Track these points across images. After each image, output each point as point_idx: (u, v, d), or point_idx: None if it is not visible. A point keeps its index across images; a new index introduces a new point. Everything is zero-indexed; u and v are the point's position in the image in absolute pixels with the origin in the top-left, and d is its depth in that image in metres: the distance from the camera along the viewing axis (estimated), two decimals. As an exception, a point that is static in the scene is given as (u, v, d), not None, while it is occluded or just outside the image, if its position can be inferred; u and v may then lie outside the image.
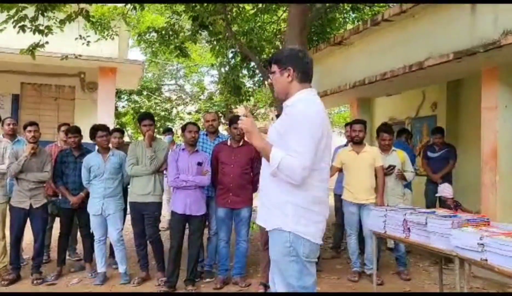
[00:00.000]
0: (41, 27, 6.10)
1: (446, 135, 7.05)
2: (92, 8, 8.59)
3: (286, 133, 2.35)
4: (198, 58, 18.81)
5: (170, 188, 6.43)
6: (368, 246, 5.03)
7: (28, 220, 5.03)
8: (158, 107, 19.72)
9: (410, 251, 6.03)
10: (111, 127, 6.64)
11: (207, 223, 5.23)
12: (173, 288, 4.73)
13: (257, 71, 9.98)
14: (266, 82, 9.44)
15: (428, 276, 5.45)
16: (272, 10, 9.40)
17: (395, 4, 6.79)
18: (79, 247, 5.79)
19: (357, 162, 5.16)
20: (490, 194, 5.53)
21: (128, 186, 5.21)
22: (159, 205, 5.10)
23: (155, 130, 5.46)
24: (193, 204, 4.76)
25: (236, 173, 4.88)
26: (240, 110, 15.66)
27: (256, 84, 11.36)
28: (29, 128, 5.06)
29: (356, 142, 5.28)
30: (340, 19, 10.17)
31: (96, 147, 5.15)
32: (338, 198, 5.92)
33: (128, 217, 5.30)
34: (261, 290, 4.72)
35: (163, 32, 9.05)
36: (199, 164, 4.82)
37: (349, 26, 9.72)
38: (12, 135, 5.59)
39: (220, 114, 16.13)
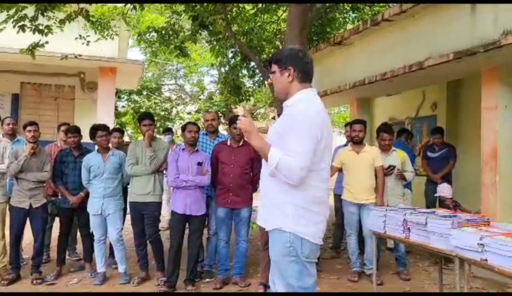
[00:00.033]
0: (41, 27, 6.10)
1: (446, 135, 7.05)
2: (92, 8, 8.58)
3: (285, 133, 2.35)
4: (198, 58, 18.80)
5: (170, 188, 6.43)
6: (368, 246, 5.02)
7: (27, 220, 5.03)
8: (158, 107, 19.71)
9: (410, 251, 6.03)
10: (111, 127, 6.63)
11: (206, 223, 5.23)
12: (172, 288, 4.73)
13: (257, 71, 9.98)
14: (266, 82, 9.44)
15: (428, 276, 5.45)
16: (272, 10, 9.40)
17: (395, 4, 6.79)
18: (79, 246, 5.79)
19: (357, 162, 5.16)
20: (490, 194, 5.53)
21: (128, 186, 5.21)
22: (158, 204, 5.10)
23: (155, 130, 5.46)
24: (193, 204, 4.76)
25: (236, 173, 4.88)
26: (239, 110, 15.67)
27: (256, 84, 11.36)
28: (28, 128, 5.06)
29: (356, 142, 5.27)
30: (340, 19, 10.16)
31: (96, 147, 5.15)
32: (338, 198, 5.91)
33: (128, 216, 5.30)
34: (261, 290, 4.71)
35: (163, 32, 9.05)
36: (199, 163, 4.81)
37: (349, 26, 9.71)
38: (12, 135, 5.58)
39: (220, 114, 16.13)
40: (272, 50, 9.21)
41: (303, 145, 2.27)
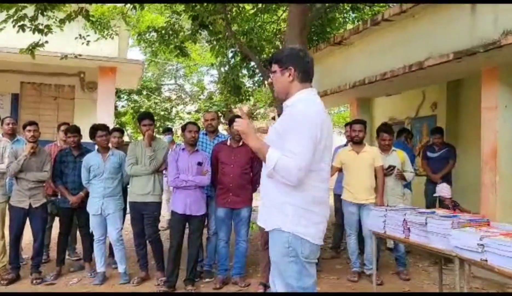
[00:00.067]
0: (40, 27, 6.10)
1: (446, 135, 7.05)
2: (92, 8, 8.58)
3: (285, 133, 2.34)
4: (198, 57, 18.81)
5: (169, 188, 6.43)
6: (368, 246, 5.02)
7: (27, 220, 5.03)
8: (157, 107, 19.71)
9: (409, 251, 6.03)
10: (111, 127, 6.63)
11: (206, 223, 5.23)
12: (172, 288, 4.72)
13: (257, 71, 9.97)
14: (266, 82, 9.44)
15: (428, 276, 5.45)
16: (272, 10, 9.40)
17: (395, 4, 6.79)
18: (79, 246, 5.79)
19: (357, 162, 5.16)
20: (490, 194, 5.53)
21: (128, 186, 5.21)
22: (158, 204, 5.09)
23: (155, 130, 5.46)
24: (193, 204, 4.76)
25: (236, 172, 4.87)
26: (238, 111, 15.65)
27: (256, 84, 11.35)
28: (28, 127, 5.06)
29: (356, 142, 5.27)
30: (340, 19, 10.16)
31: (96, 147, 5.15)
32: (338, 198, 5.91)
33: (128, 216, 5.30)
34: (260, 290, 4.71)
35: (163, 31, 9.05)
36: (199, 163, 4.81)
37: (349, 26, 9.71)
38: (12, 134, 5.58)
39: (220, 114, 16.12)
40: (272, 50, 9.21)
41: (302, 145, 2.26)
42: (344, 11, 9.81)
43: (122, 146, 5.65)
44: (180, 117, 20.40)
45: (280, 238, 2.36)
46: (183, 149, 4.88)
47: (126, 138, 13.29)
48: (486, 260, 2.85)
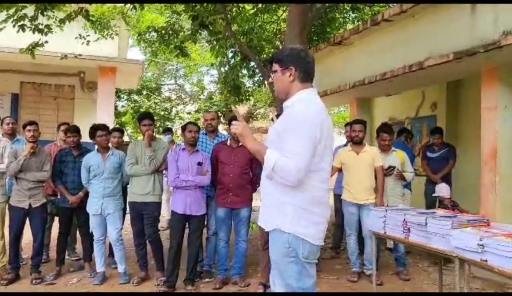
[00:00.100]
0: (40, 27, 6.09)
1: (446, 135, 7.05)
2: (92, 8, 8.57)
3: (284, 133, 2.34)
4: (198, 57, 18.81)
5: (169, 188, 6.43)
6: (368, 246, 5.02)
7: (27, 220, 5.03)
8: (157, 107, 19.71)
9: (409, 252, 6.03)
10: (111, 126, 6.63)
11: (205, 223, 5.23)
12: (172, 288, 4.72)
13: (257, 71, 9.97)
14: (266, 82, 9.44)
15: (428, 276, 5.45)
16: (272, 10, 9.40)
17: (395, 4, 6.79)
18: (78, 246, 5.79)
19: (357, 162, 5.16)
20: (490, 194, 5.53)
21: (128, 186, 5.20)
22: (158, 204, 5.09)
23: (155, 130, 5.45)
24: (193, 204, 4.76)
25: (235, 172, 4.87)
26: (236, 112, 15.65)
27: (256, 84, 11.35)
28: (28, 127, 5.05)
29: (356, 142, 5.27)
30: (340, 19, 10.16)
31: (96, 147, 5.15)
32: (338, 198, 5.91)
33: (128, 216, 5.29)
34: (260, 290, 4.71)
35: (163, 31, 9.05)
36: (199, 163, 4.81)
37: (349, 26, 9.71)
38: (12, 134, 5.58)
39: (220, 114, 16.12)
40: (272, 50, 9.21)
41: (301, 145, 2.25)
42: (344, 11, 9.81)
43: (122, 146, 5.65)
44: (180, 117, 20.41)
45: (280, 238, 2.36)
46: (183, 149, 4.88)
47: (126, 138, 13.29)
48: (486, 260, 2.85)
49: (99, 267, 5.05)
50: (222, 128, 15.62)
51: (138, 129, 5.56)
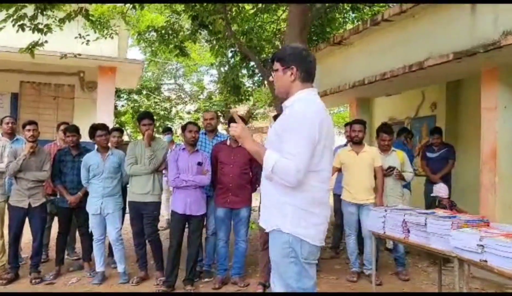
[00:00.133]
0: (40, 26, 6.09)
1: (446, 135, 7.05)
2: (92, 7, 8.57)
3: (284, 133, 2.33)
4: (198, 57, 18.80)
5: (169, 187, 6.42)
6: (367, 246, 5.02)
7: (26, 219, 5.02)
8: (157, 107, 19.72)
9: (409, 252, 6.03)
10: (110, 126, 6.63)
11: (204, 223, 5.23)
12: (171, 287, 4.72)
13: (256, 71, 9.97)
14: (265, 82, 9.44)
15: (427, 276, 5.45)
16: (272, 10, 9.39)
17: (395, 4, 6.79)
18: (78, 246, 5.78)
19: (357, 162, 5.16)
20: (489, 195, 5.52)
21: (127, 185, 5.20)
22: (158, 204, 5.09)
23: (155, 129, 5.45)
24: (193, 204, 4.76)
25: (235, 172, 4.87)
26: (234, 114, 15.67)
27: (256, 84, 11.35)
28: (28, 127, 5.05)
29: (355, 142, 5.27)
30: (340, 19, 10.15)
31: (95, 146, 5.14)
32: (337, 198, 5.91)
33: (127, 216, 5.29)
34: (259, 290, 4.71)
35: (163, 31, 9.05)
36: (199, 163, 4.81)
37: (349, 26, 9.71)
38: (11, 134, 5.57)
39: (220, 114, 16.12)
40: (272, 50, 9.21)
41: (301, 146, 2.24)
42: (344, 11, 9.80)
43: (121, 146, 5.65)
44: (180, 117, 20.42)
45: (280, 239, 2.35)
46: (183, 149, 4.87)
47: (125, 138, 13.30)
48: (486, 261, 2.85)
49: (99, 267, 5.04)
50: (221, 128, 15.62)
51: (138, 129, 5.55)
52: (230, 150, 4.95)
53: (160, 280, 4.90)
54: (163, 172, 5.21)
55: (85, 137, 5.51)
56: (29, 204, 4.93)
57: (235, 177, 4.87)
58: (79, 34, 7.23)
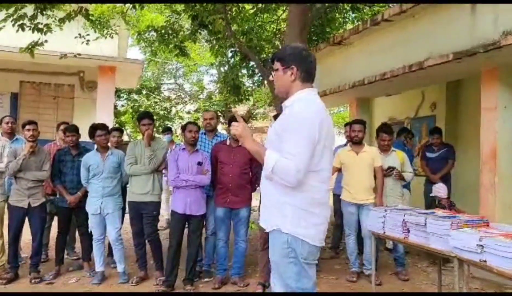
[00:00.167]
0: (40, 26, 6.09)
1: (446, 135, 7.05)
2: (92, 7, 8.57)
3: (284, 133, 2.33)
4: (198, 57, 18.80)
5: (168, 187, 6.41)
6: (367, 246, 5.02)
7: (26, 219, 5.02)
8: (157, 107, 19.73)
9: (408, 252, 6.03)
10: (110, 126, 6.63)
11: (204, 223, 5.22)
12: (171, 287, 4.72)
13: (256, 70, 9.97)
14: (265, 82, 9.43)
15: (427, 276, 5.45)
16: (272, 10, 9.39)
17: (395, 4, 6.79)
18: (78, 246, 5.78)
19: (356, 162, 5.16)
20: (489, 195, 5.52)
21: (127, 185, 5.20)
22: (157, 204, 5.09)
23: (154, 129, 5.45)
24: (193, 204, 4.76)
25: (235, 172, 4.87)
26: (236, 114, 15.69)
27: (256, 84, 11.35)
28: (27, 127, 5.04)
29: (355, 142, 5.27)
30: (340, 19, 10.15)
31: (95, 146, 5.14)
32: (337, 198, 5.90)
33: (127, 216, 5.29)
34: (259, 290, 4.71)
35: (163, 31, 9.05)
36: (199, 163, 4.81)
37: (349, 26, 9.71)
38: (11, 134, 5.56)
39: (220, 114, 16.11)
40: (272, 50, 9.20)
41: (300, 146, 2.24)
42: (344, 11, 9.80)
43: (121, 145, 5.65)
44: (180, 117, 20.42)
45: (279, 239, 2.35)
46: (183, 149, 4.87)
47: (125, 138, 13.30)
48: (485, 261, 2.85)
49: (98, 267, 5.04)
50: (221, 128, 15.62)
51: (138, 128, 5.55)
52: (230, 150, 4.95)
53: (159, 280, 4.90)
54: (163, 171, 5.20)
55: (85, 137, 5.51)
56: (29, 204, 4.92)
57: (235, 176, 4.87)
58: (79, 34, 7.22)
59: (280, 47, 8.70)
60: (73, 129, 5.28)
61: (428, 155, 6.72)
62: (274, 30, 9.85)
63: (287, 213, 2.33)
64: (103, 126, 5.25)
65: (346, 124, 6.57)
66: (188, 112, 20.67)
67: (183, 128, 5.00)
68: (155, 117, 7.16)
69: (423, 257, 6.10)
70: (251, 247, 6.19)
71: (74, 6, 6.75)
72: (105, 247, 5.25)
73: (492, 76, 5.53)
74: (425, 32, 5.75)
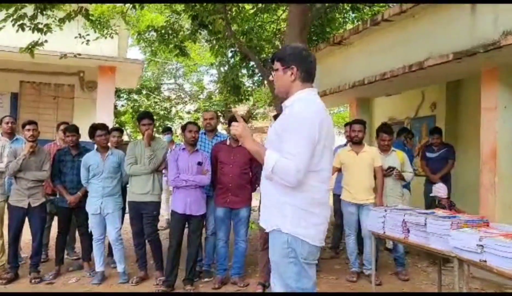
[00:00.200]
0: (40, 26, 6.09)
1: (446, 135, 7.05)
2: (92, 7, 8.57)
3: (284, 133, 2.33)
4: (198, 57, 18.80)
5: (168, 187, 6.41)
6: (367, 246, 5.02)
7: (26, 219, 5.02)
8: (157, 107, 19.73)
9: (408, 252, 6.03)
10: (110, 126, 6.63)
11: (204, 223, 5.22)
12: (171, 287, 4.72)
13: (256, 70, 9.97)
14: (265, 82, 9.43)
15: (427, 276, 5.45)
16: (272, 10, 9.39)
17: (395, 4, 6.79)
18: (78, 246, 5.78)
19: (356, 162, 5.16)
20: (489, 195, 5.52)
21: (127, 185, 5.20)
22: (157, 204, 5.09)
23: (154, 129, 5.45)
24: (193, 204, 4.76)
25: (235, 172, 4.87)
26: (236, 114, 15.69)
27: (256, 84, 11.35)
28: (27, 127, 5.04)
29: (355, 142, 5.27)
30: (340, 19, 10.15)
31: (95, 146, 5.14)
32: (337, 198, 5.90)
33: (127, 216, 5.29)
34: (259, 290, 4.71)
35: (163, 31, 9.05)
36: (199, 163, 4.81)
37: (349, 26, 9.71)
38: (11, 134, 5.56)
39: (220, 114, 16.11)
40: (272, 50, 9.21)
41: (300, 146, 2.24)
42: (344, 11, 9.80)
43: (121, 145, 5.65)
44: (180, 117, 20.43)
45: (279, 239, 2.35)
46: (183, 149, 4.87)
47: (125, 138, 13.30)
48: (485, 261, 2.85)
49: (98, 267, 5.04)
50: (221, 128, 15.62)
51: (138, 128, 5.55)
52: (230, 150, 4.95)
53: (159, 280, 4.90)
54: (163, 171, 5.21)
55: (85, 137, 5.51)
56: (29, 204, 4.92)
57: (235, 176, 4.87)
58: (79, 34, 7.22)
59: (280, 47, 8.69)
60: (73, 129, 5.28)
61: (428, 155, 6.71)
62: (274, 30, 9.85)
63: (287, 213, 2.33)
64: (103, 126, 5.25)
65: (346, 124, 6.57)
66: (188, 112, 20.67)
67: (183, 128, 5.00)
68: (155, 117, 7.16)
69: (423, 257, 6.10)
70: (251, 247, 6.19)
71: (74, 6, 6.75)
72: (105, 247, 5.25)
73: (492, 76, 5.53)
74: (425, 32, 5.75)
